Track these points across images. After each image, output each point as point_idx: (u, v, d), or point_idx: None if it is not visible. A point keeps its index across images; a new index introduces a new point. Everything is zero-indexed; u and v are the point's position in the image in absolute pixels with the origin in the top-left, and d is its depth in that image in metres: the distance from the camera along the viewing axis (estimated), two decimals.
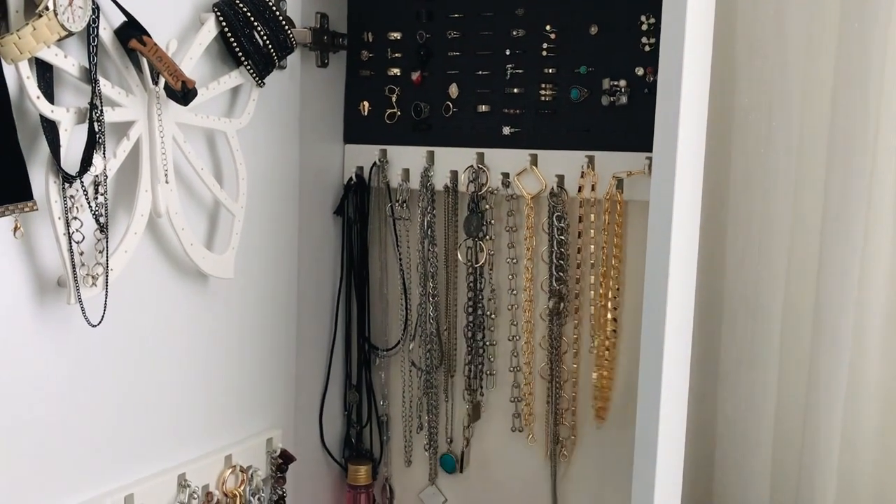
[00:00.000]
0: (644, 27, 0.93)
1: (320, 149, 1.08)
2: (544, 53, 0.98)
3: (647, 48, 0.93)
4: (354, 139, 1.11)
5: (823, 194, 1.04)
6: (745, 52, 1.06)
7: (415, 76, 1.06)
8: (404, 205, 1.08)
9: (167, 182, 0.81)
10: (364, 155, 1.10)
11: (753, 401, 1.08)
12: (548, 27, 0.98)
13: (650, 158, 0.91)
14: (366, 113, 1.09)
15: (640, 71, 0.94)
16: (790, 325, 1.07)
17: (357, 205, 1.10)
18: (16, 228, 0.69)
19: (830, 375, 1.02)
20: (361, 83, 1.09)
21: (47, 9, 0.67)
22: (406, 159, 1.07)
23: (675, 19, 0.81)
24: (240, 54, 0.88)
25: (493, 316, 1.05)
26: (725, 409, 1.10)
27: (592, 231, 0.98)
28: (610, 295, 0.98)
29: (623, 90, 0.95)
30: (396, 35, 1.06)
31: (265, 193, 0.98)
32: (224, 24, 0.86)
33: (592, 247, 0.99)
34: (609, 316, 0.98)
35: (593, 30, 0.96)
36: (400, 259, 1.10)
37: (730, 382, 1.09)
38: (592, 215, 0.98)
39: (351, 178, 1.10)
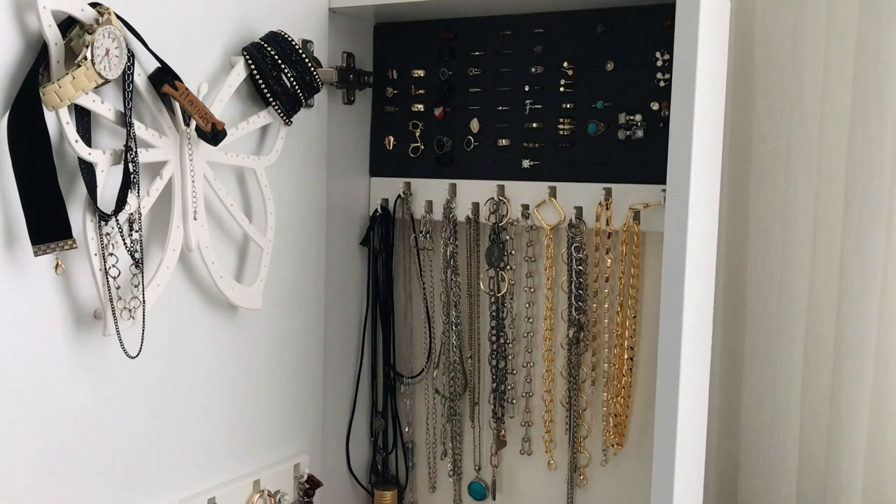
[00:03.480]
0: (659, 63, 0.95)
1: (347, 182, 1.12)
2: (562, 89, 1.01)
3: (661, 83, 0.95)
4: (380, 172, 1.14)
5: (843, 217, 1.05)
6: (763, 81, 1.08)
7: (437, 112, 1.09)
8: (428, 235, 1.11)
9: (195, 219, 0.85)
10: (389, 188, 1.13)
11: (777, 402, 1.08)
12: (565, 64, 1.01)
13: (665, 191, 0.93)
14: (391, 147, 1.13)
15: (655, 105, 0.96)
16: (813, 339, 1.08)
17: (382, 236, 1.14)
18: (57, 266, 0.73)
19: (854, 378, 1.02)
20: (386, 118, 1.13)
21: (86, 58, 0.72)
22: (429, 192, 1.11)
23: (686, 57, 0.83)
24: (268, 95, 0.92)
25: (514, 344, 1.08)
26: (749, 407, 1.11)
27: (610, 261, 1.00)
28: (627, 324, 0.99)
29: (639, 124, 0.97)
30: (420, 72, 1.10)
31: (293, 226, 1.02)
32: (253, 66, 0.91)
33: (609, 277, 1.00)
34: (626, 345, 1.00)
35: (609, 66, 0.98)
36: (424, 288, 1.12)
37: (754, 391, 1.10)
38: (609, 246, 1.00)
39: (376, 210, 1.14)
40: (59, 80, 0.71)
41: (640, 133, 0.97)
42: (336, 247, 1.10)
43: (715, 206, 0.99)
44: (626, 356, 1.00)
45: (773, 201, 1.08)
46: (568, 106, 1.01)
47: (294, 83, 0.94)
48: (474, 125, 1.07)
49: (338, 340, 1.11)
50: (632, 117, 0.97)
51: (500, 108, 1.05)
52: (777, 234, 1.09)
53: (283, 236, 0.99)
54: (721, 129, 0.99)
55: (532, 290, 1.06)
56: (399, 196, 1.12)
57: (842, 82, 1.05)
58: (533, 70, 1.03)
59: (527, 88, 1.03)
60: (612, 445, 1.03)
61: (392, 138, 1.13)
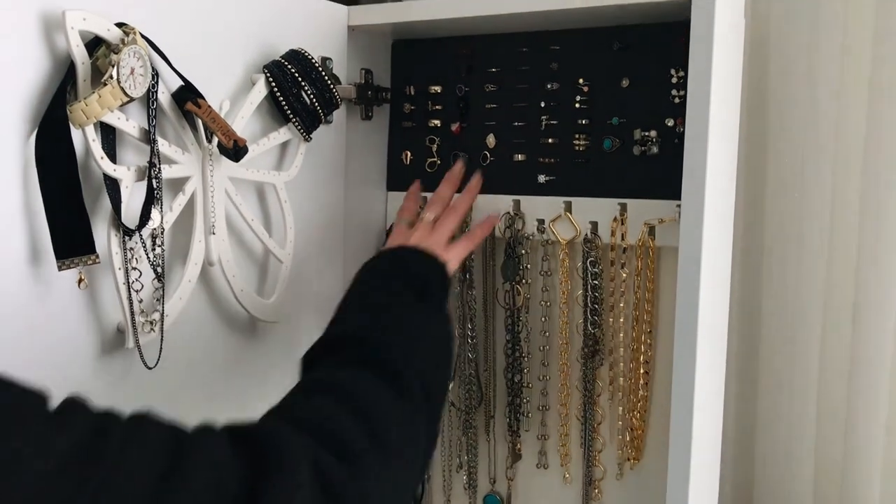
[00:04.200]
0: (674, 80, 0.96)
1: (364, 196, 1.13)
2: (577, 105, 1.02)
3: (676, 100, 0.96)
4: (397, 187, 1.15)
5: (858, 232, 1.05)
6: (778, 97, 1.08)
7: (454, 127, 1.10)
8: None
9: (214, 233, 0.87)
10: None
11: (792, 415, 1.09)
12: (581, 80, 1.02)
13: (680, 206, 0.94)
14: (408, 162, 1.14)
15: (670, 122, 0.97)
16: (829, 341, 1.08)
17: None
18: (80, 280, 0.75)
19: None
20: (404, 134, 1.14)
21: (112, 77, 0.74)
22: None
23: (700, 74, 0.84)
24: (288, 112, 0.94)
25: (530, 357, 1.08)
26: (765, 421, 1.11)
27: (625, 276, 1.01)
28: (643, 338, 1.00)
29: (654, 140, 0.98)
30: (437, 88, 1.11)
31: (312, 239, 1.03)
32: (273, 84, 0.92)
33: (625, 291, 1.01)
34: (641, 359, 1.00)
35: (625, 83, 0.99)
36: None
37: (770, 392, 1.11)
38: (625, 261, 1.00)
39: (393, 224, 1.15)
40: (85, 98, 0.73)
41: (654, 149, 0.98)
42: (354, 259, 1.11)
43: (730, 221, 1.00)
44: (641, 370, 1.00)
45: (788, 216, 1.09)
46: (583, 122, 1.02)
47: (314, 100, 0.95)
48: (490, 140, 1.08)
49: None
50: (647, 133, 0.98)
51: (516, 123, 1.06)
52: (793, 248, 1.09)
53: (301, 249, 1.01)
54: (736, 144, 1.00)
55: (548, 304, 1.07)
56: (416, 211, 1.13)
57: (857, 98, 1.05)
58: (549, 86, 1.04)
59: (542, 104, 1.04)
60: (629, 459, 1.03)
61: (409, 153, 1.14)
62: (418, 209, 1.04)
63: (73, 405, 0.54)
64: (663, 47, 0.96)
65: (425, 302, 0.85)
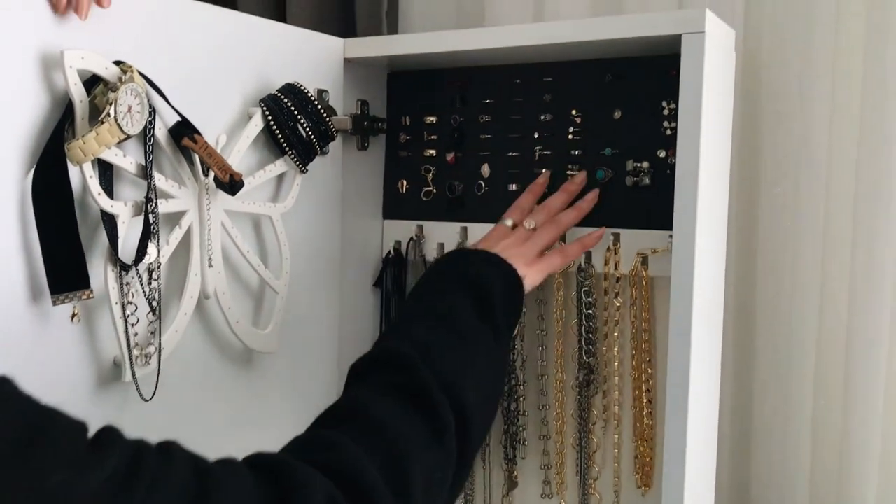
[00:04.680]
0: (665, 112, 0.97)
1: (360, 225, 1.14)
2: (571, 136, 1.03)
3: (668, 132, 0.97)
4: (393, 215, 1.16)
5: (850, 261, 1.06)
6: (770, 125, 1.10)
7: (449, 157, 1.11)
8: None
9: (211, 266, 0.88)
10: (402, 230, 1.15)
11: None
12: (574, 112, 1.03)
13: (672, 237, 0.95)
14: (403, 191, 1.15)
15: (662, 153, 0.98)
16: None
17: (395, 277, 1.16)
18: (74, 315, 0.76)
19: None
20: (399, 163, 1.15)
21: (109, 115, 0.75)
22: (441, 234, 1.13)
23: (691, 106, 0.86)
24: (284, 145, 0.95)
25: (525, 386, 1.09)
26: (759, 455, 1.12)
27: (618, 305, 1.01)
28: (643, 367, 1.01)
29: (646, 171, 0.99)
30: (432, 119, 1.12)
31: (308, 269, 1.04)
32: (270, 117, 0.93)
33: (619, 321, 1.02)
34: (643, 388, 1.01)
35: (617, 114, 1.00)
36: None
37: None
38: (619, 290, 1.01)
39: (389, 252, 1.16)
40: (83, 136, 0.74)
41: (647, 180, 0.99)
42: (350, 288, 1.12)
43: (722, 250, 1.00)
44: (644, 399, 1.01)
45: (781, 244, 1.10)
46: (576, 153, 1.03)
47: (310, 132, 0.96)
48: (485, 170, 1.09)
49: None
50: (639, 164, 0.99)
51: (510, 153, 1.07)
52: (786, 276, 1.10)
53: (298, 279, 1.02)
54: (727, 173, 1.01)
55: (543, 332, 1.07)
56: (412, 239, 1.14)
57: (849, 126, 1.06)
58: (542, 117, 1.05)
59: (536, 135, 1.05)
60: (639, 487, 1.03)
61: (405, 182, 1.15)
62: (532, 207, 1.00)
63: (110, 436, 0.55)
64: (655, 79, 0.97)
65: (488, 322, 0.81)
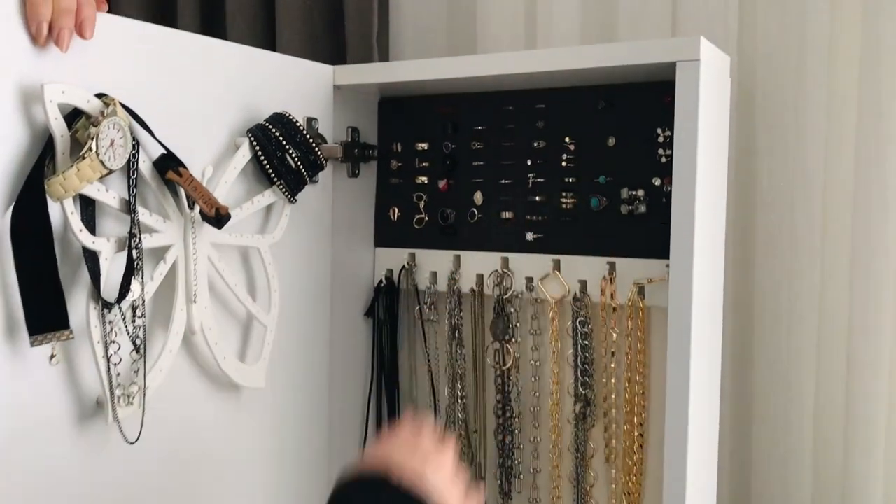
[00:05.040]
0: (660, 139, 0.96)
1: (351, 253, 1.12)
2: (564, 164, 1.02)
3: (663, 159, 0.96)
4: (384, 243, 1.14)
5: (850, 287, 1.04)
6: (765, 150, 1.08)
7: (441, 184, 1.10)
8: (432, 307, 1.11)
9: (197, 301, 0.85)
10: (393, 258, 1.13)
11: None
12: (567, 139, 1.01)
13: (669, 266, 0.93)
14: (395, 218, 1.13)
15: (657, 181, 0.96)
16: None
17: (387, 307, 1.14)
18: (52, 356, 0.73)
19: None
20: (391, 190, 1.14)
21: (91, 150, 0.73)
22: (433, 263, 1.11)
23: (687, 133, 0.84)
24: (272, 175, 0.93)
25: (521, 418, 1.07)
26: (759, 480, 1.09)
27: (615, 336, 0.99)
28: (636, 400, 0.98)
29: (641, 199, 0.97)
30: (424, 146, 1.11)
31: (298, 301, 1.02)
32: (257, 147, 0.92)
33: (615, 352, 1.00)
34: (636, 421, 0.99)
35: (611, 141, 0.99)
36: (428, 360, 1.12)
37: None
38: (615, 320, 0.99)
39: (381, 281, 1.14)
40: (63, 172, 0.72)
41: (642, 208, 0.97)
42: (340, 318, 1.10)
43: (720, 279, 0.99)
44: (636, 433, 0.98)
45: (778, 269, 1.08)
46: (570, 180, 1.01)
47: (299, 162, 0.94)
48: (478, 197, 1.07)
49: (342, 411, 1.11)
50: (634, 192, 0.97)
51: (503, 181, 1.06)
52: (783, 302, 1.08)
53: (287, 312, 0.99)
54: (724, 201, 0.99)
55: (538, 363, 1.05)
56: (403, 267, 1.12)
57: (844, 150, 1.05)
58: (535, 144, 1.03)
59: (529, 162, 1.04)
60: None
61: (397, 209, 1.13)
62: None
63: None
64: (649, 106, 0.96)
65: None
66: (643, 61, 0.87)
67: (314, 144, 0.95)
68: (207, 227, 0.87)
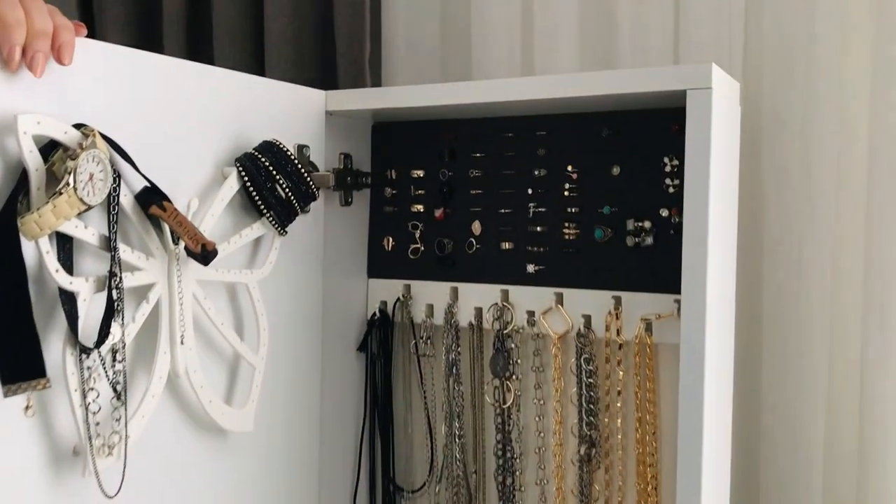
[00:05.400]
0: (667, 168, 0.92)
1: (343, 284, 1.07)
2: (567, 193, 0.97)
3: (671, 189, 0.92)
4: (378, 274, 1.10)
5: (862, 322, 1.01)
6: (773, 183, 1.05)
7: (438, 213, 1.05)
8: (429, 341, 1.07)
9: (183, 343, 0.80)
10: (388, 290, 1.09)
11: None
12: (569, 167, 0.97)
13: (678, 301, 0.89)
14: (389, 248, 1.09)
15: (664, 212, 0.92)
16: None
17: (381, 341, 1.09)
18: (27, 407, 0.68)
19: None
20: (385, 219, 1.09)
21: (68, 185, 0.68)
22: (430, 295, 1.06)
23: (698, 165, 0.80)
24: (262, 207, 0.89)
25: (522, 459, 1.02)
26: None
27: (622, 373, 0.95)
28: (647, 440, 0.94)
29: (648, 231, 0.93)
30: (419, 173, 1.06)
31: (287, 337, 0.97)
32: (246, 178, 0.87)
33: (622, 390, 0.95)
34: (647, 462, 0.94)
35: (615, 170, 0.95)
36: (425, 397, 1.07)
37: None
38: (621, 357, 0.95)
39: (374, 314, 1.09)
40: (38, 209, 0.67)
41: (649, 240, 0.93)
42: (332, 353, 1.05)
43: (731, 314, 0.95)
44: (649, 475, 0.94)
45: (788, 302, 1.04)
46: (573, 210, 0.97)
47: (289, 193, 0.90)
48: (476, 227, 1.03)
49: (334, 452, 1.06)
50: (640, 223, 0.93)
51: (503, 210, 1.01)
52: (792, 336, 1.04)
53: (276, 350, 0.94)
54: (735, 231, 0.96)
55: (541, 401, 1.01)
56: (398, 299, 1.08)
57: (855, 182, 1.01)
58: (536, 172, 0.99)
59: (530, 191, 1.00)
60: None
61: (391, 239, 1.09)
62: None
63: None
64: (655, 134, 0.92)
65: None
66: (652, 89, 0.83)
67: (306, 174, 0.91)
68: (193, 264, 0.82)
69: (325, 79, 1.28)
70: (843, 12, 1.00)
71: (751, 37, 1.06)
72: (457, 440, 1.04)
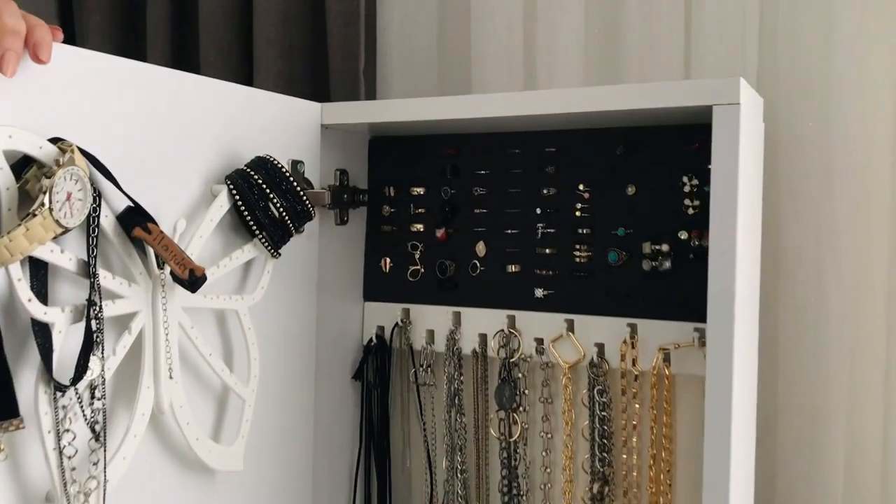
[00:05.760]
0: (686, 189, 0.87)
1: (338, 309, 1.01)
2: (578, 213, 0.92)
3: (690, 211, 0.86)
4: (375, 297, 1.04)
5: (886, 352, 0.96)
6: (790, 201, 1.00)
7: (439, 233, 0.99)
8: (429, 369, 1.00)
9: (171, 377, 0.74)
10: (385, 314, 1.03)
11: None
12: (581, 186, 0.92)
13: (699, 330, 0.84)
14: (387, 269, 1.03)
15: (683, 235, 0.87)
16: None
17: (377, 368, 1.03)
18: None
19: None
20: (383, 238, 1.03)
21: (43, 206, 0.61)
22: (430, 320, 1.00)
23: (727, 187, 0.75)
24: (254, 227, 0.82)
25: (529, 496, 0.96)
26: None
27: (638, 406, 0.89)
28: (661, 478, 0.88)
29: (666, 254, 0.87)
30: (420, 190, 1.01)
31: (279, 365, 0.91)
32: (237, 196, 0.81)
33: (637, 424, 0.90)
34: (661, 502, 0.88)
35: (631, 190, 0.89)
36: (424, 429, 1.01)
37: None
38: (637, 389, 0.89)
39: (371, 340, 1.03)
40: (9, 232, 0.60)
41: (667, 264, 0.87)
42: (326, 381, 0.99)
43: (755, 344, 0.89)
44: None
45: (807, 324, 0.99)
46: (584, 231, 0.92)
47: (283, 213, 0.84)
48: (480, 248, 0.97)
49: (327, 488, 0.99)
50: (657, 247, 0.88)
51: (509, 231, 0.96)
52: (811, 366, 0.99)
53: (267, 381, 0.88)
54: (759, 255, 0.90)
55: (549, 435, 0.95)
56: (397, 324, 1.02)
57: (877, 208, 0.97)
58: (545, 191, 0.94)
59: (538, 211, 0.94)
60: None
61: (388, 260, 1.03)
62: None
63: None
64: (673, 152, 0.87)
65: None
66: (675, 104, 0.77)
67: (302, 192, 0.85)
68: (179, 290, 0.75)
69: (316, 92, 1.22)
70: (860, 23, 0.96)
71: (765, 49, 1.01)
72: (458, 475, 0.98)
